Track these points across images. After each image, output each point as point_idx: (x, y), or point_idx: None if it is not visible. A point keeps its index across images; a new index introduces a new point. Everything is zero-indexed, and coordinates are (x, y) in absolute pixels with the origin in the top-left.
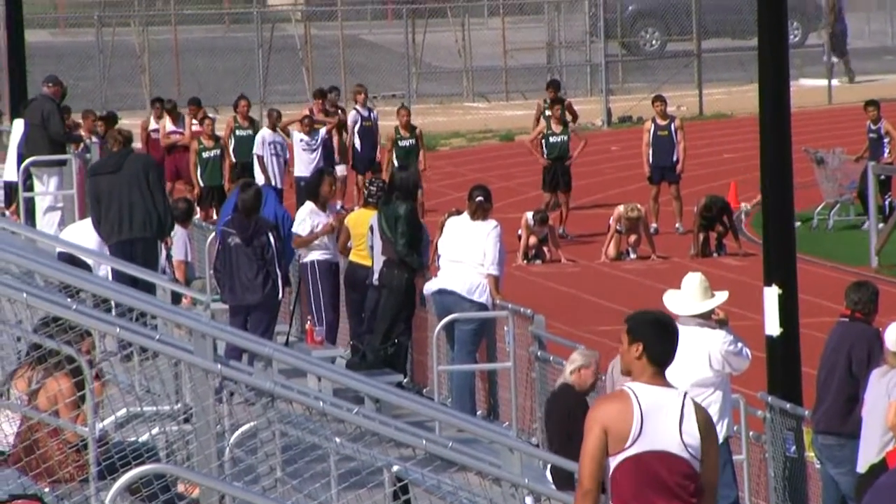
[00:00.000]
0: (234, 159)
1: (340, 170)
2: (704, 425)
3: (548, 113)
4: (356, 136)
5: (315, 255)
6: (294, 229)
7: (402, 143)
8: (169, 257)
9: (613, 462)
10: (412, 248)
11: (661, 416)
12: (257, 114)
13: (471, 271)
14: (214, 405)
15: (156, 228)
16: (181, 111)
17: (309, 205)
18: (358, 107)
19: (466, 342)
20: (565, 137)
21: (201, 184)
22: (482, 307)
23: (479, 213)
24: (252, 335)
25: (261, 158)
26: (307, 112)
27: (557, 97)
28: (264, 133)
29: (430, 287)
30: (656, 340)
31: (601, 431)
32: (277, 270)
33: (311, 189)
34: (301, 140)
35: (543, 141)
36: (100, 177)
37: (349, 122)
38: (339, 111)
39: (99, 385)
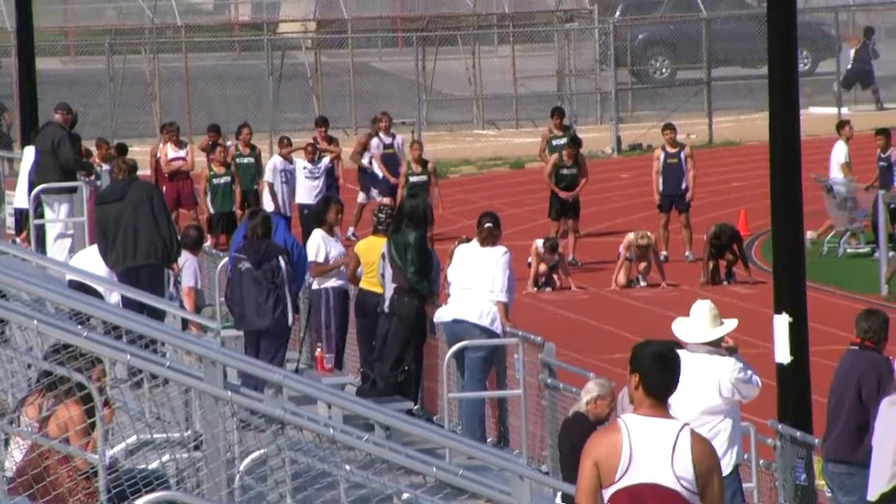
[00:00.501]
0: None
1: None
2: (702, 457)
3: (554, 143)
4: (380, 162)
5: (328, 283)
6: (311, 258)
7: (412, 179)
8: (177, 284)
9: (606, 495)
10: (422, 276)
11: (652, 448)
12: (267, 141)
13: (481, 298)
14: (224, 432)
15: (161, 255)
16: (182, 139)
17: (319, 232)
18: (381, 134)
19: (477, 370)
20: (575, 170)
21: (211, 210)
22: (493, 334)
23: (489, 239)
24: (262, 360)
25: (271, 186)
26: (311, 140)
27: (563, 124)
28: (275, 160)
29: (441, 316)
30: (653, 372)
31: (592, 465)
32: (287, 295)
33: (318, 216)
34: (304, 168)
35: (554, 174)
36: (105, 206)
37: (372, 149)
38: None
39: (109, 412)
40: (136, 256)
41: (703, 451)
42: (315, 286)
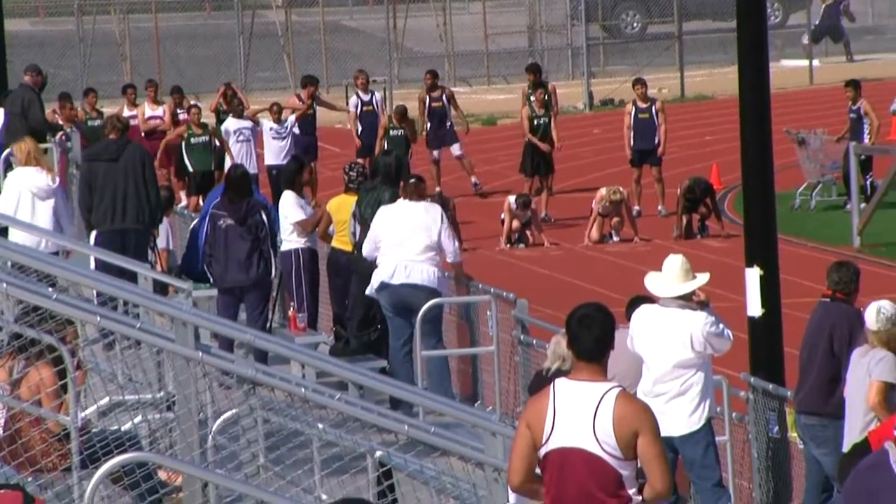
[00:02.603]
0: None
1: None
2: (623, 420)
3: (532, 99)
4: (357, 121)
5: (297, 244)
6: (293, 219)
7: (392, 133)
8: (154, 247)
9: (539, 457)
10: None
11: (575, 412)
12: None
13: (421, 258)
14: (196, 393)
15: (148, 220)
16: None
17: (291, 194)
18: (359, 91)
19: (434, 332)
20: (547, 119)
21: (190, 169)
22: (438, 294)
23: (415, 193)
24: (250, 315)
25: (226, 144)
26: (296, 99)
27: (539, 80)
28: (226, 124)
29: (384, 279)
30: (577, 331)
31: (525, 428)
32: (270, 250)
33: (289, 177)
34: (271, 128)
35: (528, 124)
36: (97, 163)
37: (350, 107)
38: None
39: (81, 374)
40: (124, 219)
41: (626, 414)
42: (284, 247)
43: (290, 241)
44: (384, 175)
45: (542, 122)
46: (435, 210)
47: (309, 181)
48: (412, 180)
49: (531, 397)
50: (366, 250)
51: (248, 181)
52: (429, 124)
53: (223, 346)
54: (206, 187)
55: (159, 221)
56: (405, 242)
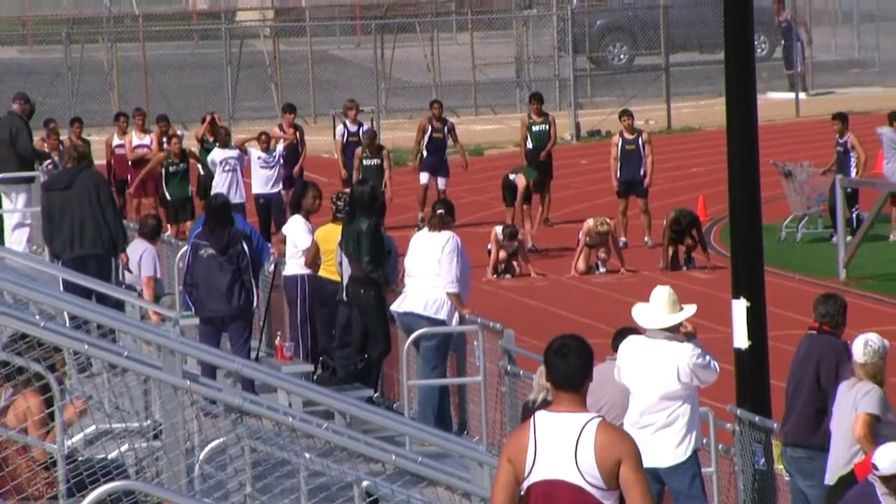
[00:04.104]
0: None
1: None
2: (605, 450)
3: (534, 129)
4: (343, 151)
5: (302, 270)
6: (302, 246)
7: (365, 163)
8: (125, 273)
9: (523, 490)
10: (376, 265)
11: (557, 444)
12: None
13: (426, 286)
14: (183, 421)
15: (108, 245)
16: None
17: (299, 217)
18: (347, 122)
19: (430, 359)
20: (546, 126)
21: (168, 197)
22: (439, 322)
23: (438, 226)
24: (233, 346)
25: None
26: (277, 129)
27: (541, 110)
28: (212, 155)
29: (394, 306)
30: (553, 361)
31: (506, 462)
32: (251, 280)
33: (295, 202)
34: (259, 157)
35: (528, 132)
36: (52, 192)
37: (337, 136)
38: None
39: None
40: (82, 246)
41: (607, 443)
42: (288, 272)
43: (294, 266)
44: (358, 204)
45: (540, 128)
46: (443, 239)
47: (313, 206)
48: (439, 211)
49: (512, 431)
50: (391, 275)
51: (229, 210)
52: (425, 152)
53: (205, 375)
54: (185, 215)
55: (124, 245)
56: (414, 271)
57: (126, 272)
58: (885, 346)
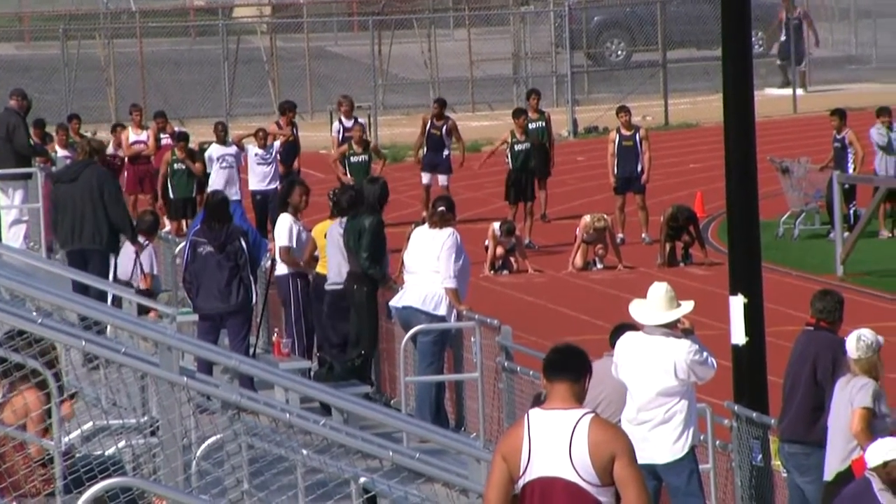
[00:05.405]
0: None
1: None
2: (598, 445)
3: (531, 126)
4: (339, 147)
5: (288, 269)
6: (283, 242)
7: (353, 160)
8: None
9: (518, 487)
10: (375, 262)
11: (551, 441)
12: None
13: (425, 282)
14: (180, 418)
15: (106, 241)
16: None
17: (287, 216)
18: (342, 118)
19: (427, 354)
20: (528, 145)
21: (171, 196)
22: (437, 318)
23: (439, 222)
24: (232, 342)
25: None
26: (275, 125)
27: (538, 107)
28: (210, 151)
29: (394, 301)
30: (549, 361)
31: (501, 461)
32: (250, 276)
33: (282, 199)
34: (256, 154)
35: (509, 150)
36: (58, 185)
37: (333, 133)
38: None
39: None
40: (81, 239)
41: (601, 439)
42: (279, 271)
43: (282, 265)
44: (367, 200)
45: (523, 147)
46: (444, 235)
47: (300, 203)
48: (440, 208)
49: (506, 431)
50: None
51: (227, 207)
52: (425, 149)
53: (201, 371)
54: (189, 212)
55: (134, 239)
56: (414, 268)
57: (116, 268)
58: (878, 341)
